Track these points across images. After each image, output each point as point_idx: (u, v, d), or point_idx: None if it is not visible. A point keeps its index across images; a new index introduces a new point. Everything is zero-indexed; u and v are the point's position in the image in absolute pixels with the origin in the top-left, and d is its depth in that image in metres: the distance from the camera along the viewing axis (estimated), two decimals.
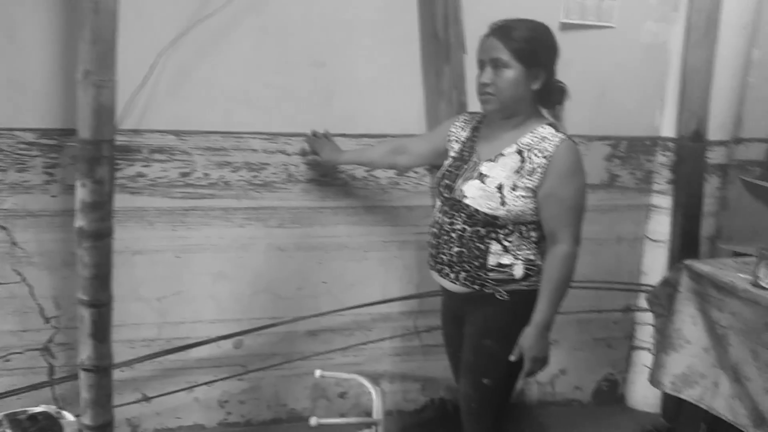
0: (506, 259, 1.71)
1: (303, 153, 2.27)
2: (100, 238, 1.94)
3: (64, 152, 2.11)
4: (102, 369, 2.08)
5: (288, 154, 2.28)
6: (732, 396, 1.89)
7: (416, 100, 2.32)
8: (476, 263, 1.71)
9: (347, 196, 2.38)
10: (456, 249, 1.73)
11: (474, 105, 2.18)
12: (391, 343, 2.56)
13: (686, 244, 2.47)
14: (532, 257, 1.72)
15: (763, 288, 1.81)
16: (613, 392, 2.82)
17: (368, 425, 2.33)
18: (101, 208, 1.91)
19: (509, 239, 1.70)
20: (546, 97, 1.72)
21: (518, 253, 1.71)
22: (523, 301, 1.71)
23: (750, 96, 2.52)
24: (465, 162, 1.76)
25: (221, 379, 2.43)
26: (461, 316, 1.86)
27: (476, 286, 1.73)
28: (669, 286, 2.11)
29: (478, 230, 1.70)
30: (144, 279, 2.28)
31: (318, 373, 2.35)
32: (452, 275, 1.76)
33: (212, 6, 2.06)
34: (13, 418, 1.72)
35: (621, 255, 2.65)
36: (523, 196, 1.65)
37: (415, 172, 2.39)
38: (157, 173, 2.20)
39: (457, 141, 1.84)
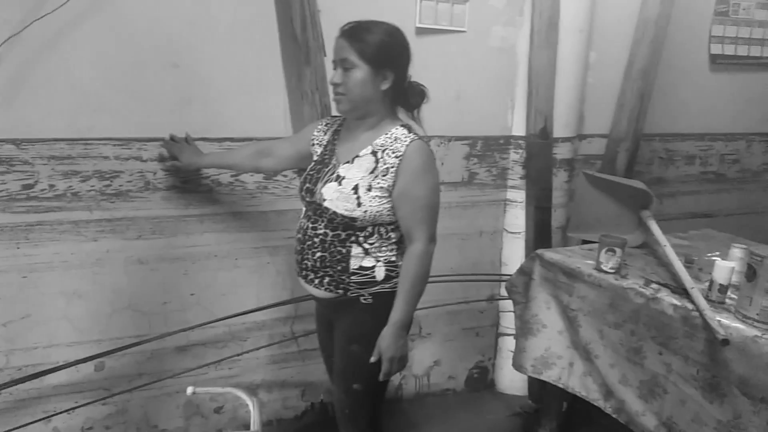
0: (367, 262, 1.71)
1: (161, 158, 2.16)
2: None
3: None
4: None
5: (144, 161, 2.15)
6: (585, 374, 2.05)
7: (280, 102, 2.29)
8: (339, 267, 1.71)
9: (213, 203, 2.29)
10: (319, 254, 1.72)
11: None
12: (268, 351, 2.51)
13: (540, 234, 2.65)
14: (393, 258, 1.73)
15: (605, 272, 1.98)
16: (483, 379, 2.96)
17: None
18: None
19: (369, 241, 1.70)
20: (403, 98, 1.73)
21: (379, 255, 1.71)
22: (386, 303, 1.71)
23: (589, 95, 2.74)
24: (325, 165, 1.76)
25: (82, 405, 2.25)
26: (331, 321, 1.86)
27: (340, 291, 1.73)
28: (524, 274, 2.24)
29: (339, 234, 1.70)
30: None
31: (190, 390, 2.24)
32: (317, 281, 1.75)
33: (50, 4, 1.90)
34: None
35: (483, 248, 2.79)
36: (378, 197, 1.66)
37: (284, 176, 2.36)
38: None
39: (319, 144, 1.84)
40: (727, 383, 1.60)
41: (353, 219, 1.67)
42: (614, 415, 1.94)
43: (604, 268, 1.98)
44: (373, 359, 1.69)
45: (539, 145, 2.59)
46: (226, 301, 2.39)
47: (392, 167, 1.65)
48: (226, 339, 2.44)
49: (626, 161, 2.78)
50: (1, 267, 2.07)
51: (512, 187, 2.73)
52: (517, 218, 2.72)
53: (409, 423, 2.59)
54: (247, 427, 2.27)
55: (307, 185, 1.76)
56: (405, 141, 1.66)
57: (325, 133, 1.84)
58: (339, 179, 1.69)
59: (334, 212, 1.67)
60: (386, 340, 1.68)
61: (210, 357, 2.41)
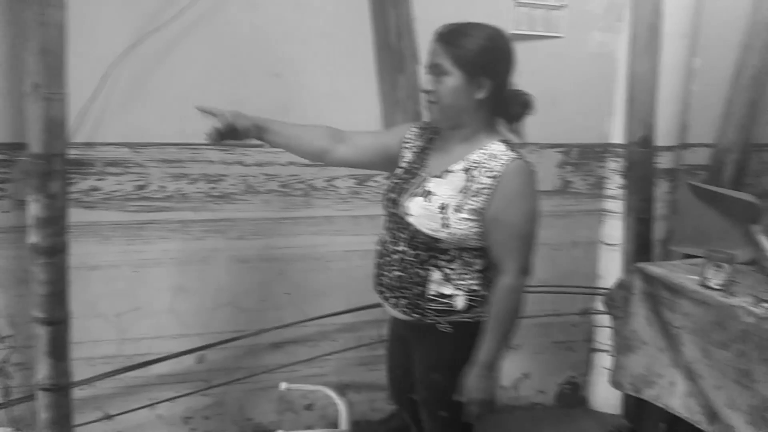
0: (447, 289, 1.56)
1: (213, 139, 1.69)
2: (55, 254, 1.91)
3: (15, 167, 2.06)
4: (61, 388, 2.04)
5: (246, 165, 2.27)
6: (687, 394, 1.94)
7: (373, 111, 2.34)
8: (415, 291, 1.57)
9: (308, 207, 2.37)
10: (396, 273, 1.59)
11: None
12: (357, 352, 2.55)
13: (639, 247, 2.53)
14: (475, 287, 1.57)
15: (711, 288, 1.87)
16: (575, 395, 2.86)
17: None
18: (55, 224, 1.88)
19: (451, 267, 1.56)
20: (503, 108, 1.58)
21: (460, 283, 1.57)
22: (467, 334, 1.58)
23: (694, 103, 2.60)
24: (413, 175, 1.61)
25: (184, 395, 2.39)
26: (406, 340, 1.74)
27: (416, 315, 1.60)
28: (624, 288, 2.16)
29: (419, 254, 1.56)
30: (101, 295, 2.24)
31: (283, 385, 2.34)
32: (392, 300, 1.63)
33: (164, 17, 2.05)
34: None
35: (577, 259, 2.70)
36: (467, 219, 1.51)
37: (375, 181, 2.40)
38: (112, 186, 2.17)
39: (410, 149, 1.68)
40: None
41: (437, 240, 1.52)
42: None
43: (711, 285, 1.87)
44: (458, 398, 1.58)
45: (640, 153, 2.48)
46: (318, 302, 2.46)
47: (485, 188, 1.50)
48: (317, 338, 2.51)
49: (734, 173, 2.61)
50: (115, 262, 2.24)
51: (610, 196, 2.63)
52: (614, 229, 2.62)
53: None
54: (336, 425, 2.33)
55: (392, 195, 1.63)
56: (503, 160, 1.50)
57: (419, 138, 1.68)
58: (427, 195, 1.54)
59: (417, 230, 1.54)
60: (471, 381, 1.56)
61: (302, 355, 2.49)
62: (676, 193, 2.57)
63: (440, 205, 1.52)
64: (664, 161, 2.55)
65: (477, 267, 1.58)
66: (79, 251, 2.11)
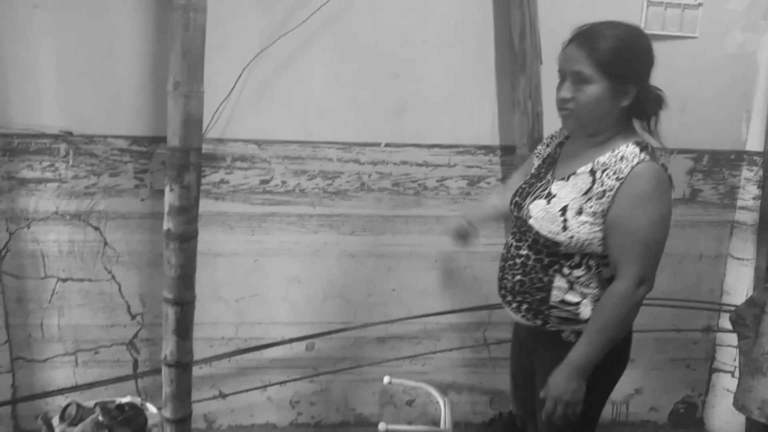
0: (571, 296, 1.51)
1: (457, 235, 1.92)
2: (186, 240, 2.05)
3: (154, 159, 2.25)
4: (183, 365, 2.18)
5: (361, 164, 2.34)
6: None
7: (489, 111, 2.33)
8: (538, 296, 1.53)
9: (418, 206, 2.40)
10: (518, 277, 1.56)
11: (550, 116, 2.16)
12: (460, 353, 2.56)
13: None
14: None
15: None
16: (691, 415, 2.70)
17: None
18: (188, 212, 2.02)
19: (576, 273, 1.50)
20: (641, 108, 1.48)
21: (586, 291, 1.50)
22: (561, 331, 1.55)
23: None
24: (539, 179, 1.59)
25: (293, 380, 2.51)
26: (528, 347, 1.71)
27: (538, 321, 1.56)
28: (755, 306, 2.00)
29: (542, 259, 1.52)
30: (224, 280, 2.39)
31: (386, 379, 2.38)
32: (514, 305, 1.60)
33: (292, 22, 2.15)
34: (104, 407, 1.84)
35: (702, 273, 2.54)
36: (589, 223, 1.44)
37: (487, 183, 2.39)
38: (239, 180, 2.31)
39: (539, 157, 1.68)
40: None
41: (557, 244, 1.48)
42: None
43: None
44: (541, 395, 1.53)
45: None
46: (424, 300, 2.48)
47: (610, 190, 1.42)
48: (421, 336, 2.53)
49: None
50: (239, 250, 2.38)
51: (742, 207, 2.45)
52: (746, 243, 2.43)
53: None
54: (437, 423, 2.33)
55: (516, 199, 1.61)
56: (632, 161, 1.41)
57: (548, 146, 1.68)
58: (549, 197, 1.51)
59: (538, 232, 1.50)
60: (556, 377, 1.49)
61: (405, 351, 2.53)
62: None
63: (561, 207, 1.47)
64: None
65: (604, 275, 1.50)
66: (207, 239, 2.27)
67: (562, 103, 1.47)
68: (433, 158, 2.34)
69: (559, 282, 1.51)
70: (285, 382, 2.51)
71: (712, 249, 2.52)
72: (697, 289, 2.54)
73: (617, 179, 1.41)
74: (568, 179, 1.50)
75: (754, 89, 2.39)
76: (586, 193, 1.45)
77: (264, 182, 2.32)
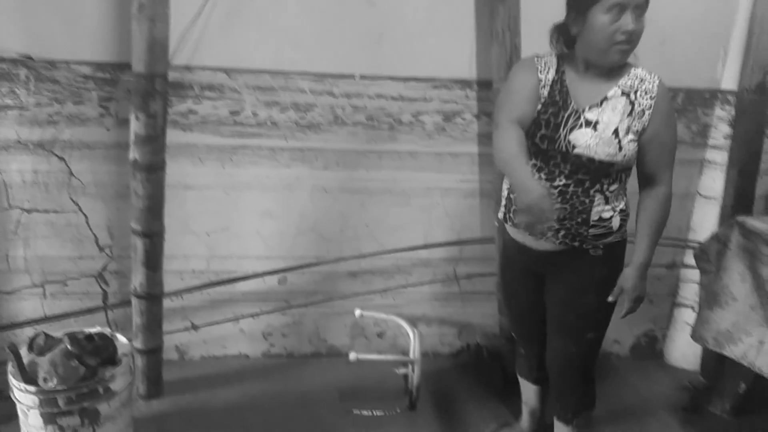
0: (607, 212, 1.64)
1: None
2: (154, 170, 2.01)
3: (119, 86, 2.16)
4: (153, 296, 2.19)
5: (335, 96, 2.28)
6: None
7: (467, 43, 2.27)
8: (579, 219, 1.63)
9: (393, 141, 2.37)
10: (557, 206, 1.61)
11: (529, 48, 2.13)
12: (431, 287, 2.60)
13: (739, 201, 2.39)
14: (624, 207, 1.68)
15: None
16: (651, 348, 2.80)
17: (405, 364, 2.40)
18: (155, 142, 1.98)
19: (611, 189, 1.63)
20: None
21: (616, 204, 1.65)
22: (616, 253, 1.70)
23: None
24: (562, 109, 1.60)
25: (266, 313, 2.53)
26: (540, 274, 1.80)
27: (575, 243, 1.66)
28: (719, 242, 2.05)
29: (584, 183, 1.61)
30: (194, 213, 2.36)
31: (358, 312, 2.42)
32: (549, 234, 1.66)
33: None
34: (72, 337, 1.83)
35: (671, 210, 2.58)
36: (633, 140, 1.58)
37: (463, 119, 2.36)
38: (208, 110, 2.24)
39: (545, 86, 1.65)
40: None
41: (611, 165, 1.58)
42: None
43: None
44: (611, 298, 1.70)
45: (753, 102, 2.30)
46: (396, 236, 2.50)
47: (648, 109, 1.57)
48: (393, 271, 2.56)
49: None
50: (209, 183, 2.34)
51: (713, 146, 2.48)
52: (714, 181, 2.47)
53: None
54: (406, 354, 2.40)
55: (543, 132, 1.60)
56: (654, 81, 1.58)
57: (548, 73, 1.65)
58: (592, 124, 1.57)
59: (590, 159, 1.56)
60: (631, 281, 1.68)
61: (377, 285, 2.56)
62: None
63: (613, 130, 1.56)
64: None
65: (626, 188, 1.68)
66: (175, 171, 2.22)
67: (630, 36, 1.50)
68: (409, 92, 2.30)
69: (599, 200, 1.62)
70: (257, 314, 2.53)
71: (682, 187, 2.55)
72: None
73: (651, 98, 1.57)
74: (601, 104, 1.58)
75: (731, 28, 2.36)
76: (630, 114, 1.57)
77: (234, 113, 2.26)
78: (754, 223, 1.95)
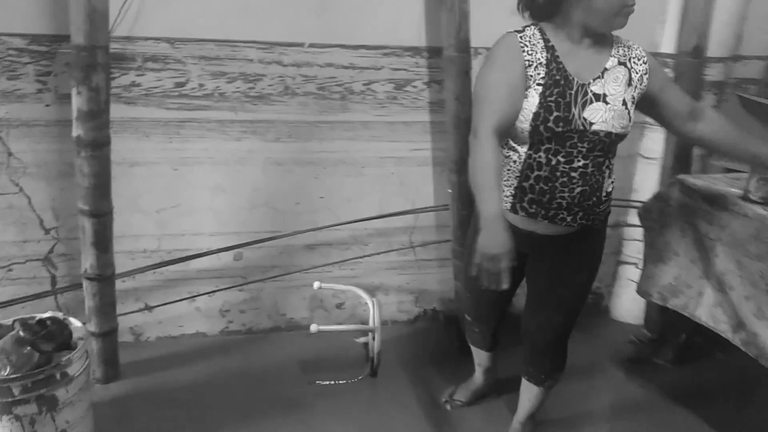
0: (610, 186, 1.66)
1: None
2: (99, 147, 1.94)
3: (57, 59, 2.05)
4: (105, 278, 2.13)
5: (284, 65, 2.24)
6: (714, 305, 1.97)
7: (416, 9, 2.26)
8: (593, 199, 1.61)
9: (344, 111, 2.36)
10: (578, 189, 1.57)
11: (477, 14, 2.14)
12: (387, 257, 2.62)
13: (679, 161, 2.49)
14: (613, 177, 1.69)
15: (753, 201, 1.85)
16: (598, 305, 2.93)
17: (365, 333, 2.43)
18: (98, 117, 1.90)
19: (612, 162, 1.64)
20: None
21: (614, 175, 1.67)
22: (606, 223, 1.75)
23: (751, 12, 2.46)
24: (567, 87, 1.51)
25: (222, 290, 2.49)
26: (524, 254, 1.72)
27: (589, 223, 1.65)
28: (662, 200, 2.15)
29: (599, 160, 1.57)
30: (143, 191, 2.29)
31: (316, 284, 2.42)
32: (569, 218, 1.61)
33: None
34: (24, 322, 1.77)
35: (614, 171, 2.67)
36: (634, 109, 1.58)
37: (414, 87, 2.37)
38: (152, 83, 2.16)
39: (538, 66, 1.52)
40: None
41: (623, 137, 1.57)
42: (742, 348, 1.87)
43: (753, 198, 1.85)
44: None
45: (690, 64, 2.39)
46: (351, 207, 2.50)
47: (645, 73, 1.58)
48: (349, 242, 2.57)
49: None
50: (156, 159, 2.27)
51: None
52: (654, 143, 2.57)
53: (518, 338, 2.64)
54: (365, 323, 2.43)
55: (557, 114, 1.50)
56: (634, 45, 1.61)
57: (536, 52, 1.53)
58: (601, 98, 1.52)
59: (608, 133, 1.52)
60: None
61: (335, 257, 2.56)
62: (723, 107, 2.50)
63: (622, 101, 1.54)
64: (713, 73, 2.46)
65: None
66: (120, 147, 2.14)
67: (630, 4, 1.48)
68: (360, 60, 2.28)
69: (607, 175, 1.64)
70: (213, 291, 2.50)
71: (624, 149, 2.59)
72: None
73: (644, 63, 1.59)
74: (603, 76, 1.54)
75: None
76: (629, 83, 1.56)
77: (179, 85, 2.19)
78: (694, 181, 2.05)
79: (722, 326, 1.95)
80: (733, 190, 1.95)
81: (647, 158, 2.63)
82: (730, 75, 2.55)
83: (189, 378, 2.31)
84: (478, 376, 2.24)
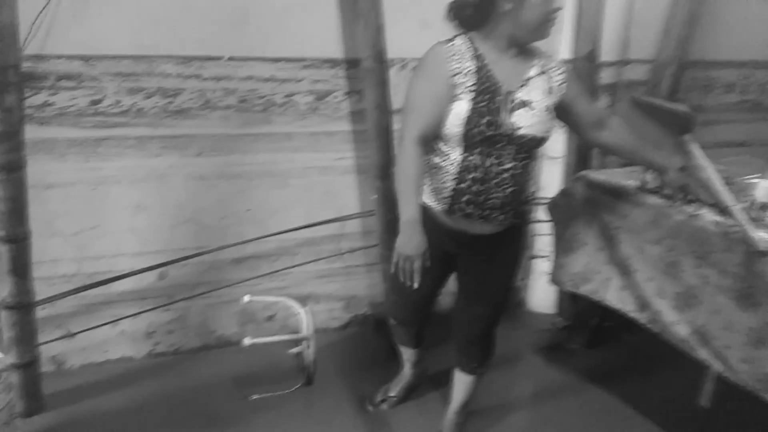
0: (533, 186, 1.79)
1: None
2: (13, 170, 1.86)
3: None
4: (24, 306, 2.03)
5: (203, 79, 2.23)
6: (621, 288, 2.17)
7: (333, 23, 2.33)
8: (521, 197, 1.72)
9: (267, 123, 2.38)
10: (509, 189, 1.67)
11: (391, 27, 2.24)
12: (316, 265, 2.65)
13: (580, 158, 2.71)
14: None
15: (648, 191, 2.06)
16: (516, 298, 3.10)
17: (298, 342, 2.45)
18: (13, 138, 1.82)
19: (535, 163, 1.75)
20: None
21: (533, 176, 1.79)
22: (527, 222, 1.90)
23: (636, 20, 2.71)
24: (497, 93, 1.61)
25: (147, 311, 2.43)
26: (453, 255, 1.84)
27: (516, 220, 1.76)
28: (567, 195, 2.33)
29: (526, 161, 1.69)
30: (59, 213, 2.21)
31: (246, 298, 2.42)
32: (501, 217, 1.71)
33: None
34: None
35: None
36: (554, 116, 1.72)
37: (335, 98, 2.43)
38: (66, 101, 2.10)
39: (466, 74, 1.60)
40: (762, 292, 1.70)
41: (544, 140, 1.68)
42: (648, 326, 2.06)
43: (648, 188, 2.06)
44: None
45: (586, 68, 2.60)
46: (278, 218, 2.51)
47: (563, 82, 1.71)
48: (278, 253, 2.58)
49: (670, 87, 2.79)
50: (72, 179, 2.20)
51: None
52: (558, 143, 2.77)
53: (445, 334, 2.76)
54: (298, 333, 2.45)
55: (487, 119, 1.59)
56: (553, 56, 1.75)
57: (465, 61, 1.61)
58: (526, 104, 1.63)
59: (532, 137, 1.64)
60: (678, 180, 1.92)
61: (263, 269, 2.56)
62: (617, 108, 2.74)
63: (544, 107, 1.66)
64: (606, 76, 2.69)
65: None
66: (35, 169, 2.04)
67: (556, 14, 1.61)
68: (280, 72, 2.31)
69: (531, 175, 1.75)
70: (138, 313, 2.43)
71: None
72: None
73: (561, 73, 1.72)
74: (527, 84, 1.65)
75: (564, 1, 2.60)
76: (549, 91, 1.68)
77: (95, 103, 2.13)
78: (596, 175, 2.25)
79: (629, 307, 2.14)
80: (631, 182, 2.16)
81: (552, 158, 2.83)
82: (620, 78, 2.80)
83: (116, 405, 2.23)
84: (407, 371, 2.32)
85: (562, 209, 2.37)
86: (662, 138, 2.31)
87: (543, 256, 2.95)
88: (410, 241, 1.58)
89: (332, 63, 2.37)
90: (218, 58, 2.22)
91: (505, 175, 1.66)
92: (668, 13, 2.78)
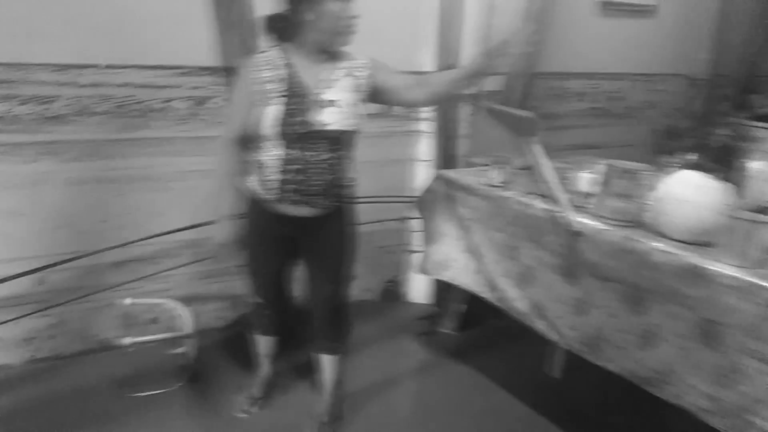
0: (351, 171, 1.99)
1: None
2: None
3: None
4: None
5: (80, 86, 2.29)
6: (475, 272, 2.44)
7: (207, 32, 2.44)
8: (338, 183, 1.94)
9: (146, 128, 2.46)
10: (327, 176, 1.89)
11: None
12: (199, 267, 2.72)
13: (446, 161, 2.98)
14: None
15: (494, 186, 2.35)
16: (396, 291, 3.33)
17: (180, 341, 2.50)
18: None
19: (352, 152, 1.96)
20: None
21: (353, 163, 2.00)
22: (351, 200, 2.06)
23: (494, 36, 2.99)
24: (304, 96, 1.84)
25: (24, 316, 2.42)
26: (293, 238, 2.04)
27: (336, 204, 1.98)
28: (431, 192, 2.59)
29: (340, 152, 1.91)
30: None
31: (128, 300, 2.46)
32: (319, 201, 1.93)
33: None
34: None
35: (396, 174, 3.09)
36: (363, 108, 1.93)
37: (215, 104, 2.54)
38: None
39: (276, 80, 1.84)
40: (581, 268, 2.01)
41: (352, 132, 1.91)
42: (497, 303, 2.34)
43: (494, 183, 2.35)
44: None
45: None
46: (160, 221, 2.58)
47: (366, 77, 1.93)
48: (160, 255, 2.64)
49: (521, 95, 3.13)
50: None
51: (424, 119, 3.01)
52: (427, 148, 3.02)
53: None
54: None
55: (300, 118, 1.83)
56: (359, 58, 1.95)
57: (272, 69, 1.85)
58: (332, 103, 1.86)
59: (341, 131, 1.87)
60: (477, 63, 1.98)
61: (146, 272, 2.62)
62: (475, 114, 3.03)
63: (347, 104, 1.87)
64: (468, 87, 2.96)
65: None
66: None
67: (354, 21, 1.85)
68: (158, 80, 2.40)
69: (347, 163, 1.96)
70: (15, 319, 2.41)
71: (404, 153, 3.08)
72: (393, 188, 3.07)
73: (364, 69, 1.94)
74: (333, 86, 1.88)
75: (428, 19, 2.86)
76: (354, 89, 1.91)
77: None
78: (450, 174, 2.53)
79: (482, 288, 2.42)
80: (481, 179, 2.45)
81: (422, 161, 3.09)
82: (480, 88, 3.10)
83: None
84: (265, 367, 2.41)
85: (427, 205, 2.62)
86: (512, 140, 2.62)
87: (418, 251, 3.20)
88: (222, 229, 1.96)
89: (210, 70, 2.49)
90: (94, 66, 2.28)
91: (324, 165, 1.89)
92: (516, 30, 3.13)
